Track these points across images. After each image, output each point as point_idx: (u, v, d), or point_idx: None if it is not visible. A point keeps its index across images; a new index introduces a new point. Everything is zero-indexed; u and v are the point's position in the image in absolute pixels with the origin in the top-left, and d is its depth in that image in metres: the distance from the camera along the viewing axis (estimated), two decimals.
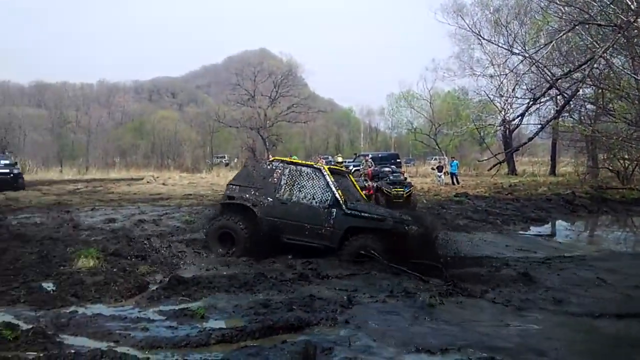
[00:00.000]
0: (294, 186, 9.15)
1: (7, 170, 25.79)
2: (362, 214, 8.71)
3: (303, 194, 9.08)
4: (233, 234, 9.07)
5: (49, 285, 6.82)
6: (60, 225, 12.58)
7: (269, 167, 9.54)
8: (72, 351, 4.25)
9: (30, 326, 4.91)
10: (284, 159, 10.20)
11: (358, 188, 10.72)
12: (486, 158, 19.96)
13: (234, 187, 9.59)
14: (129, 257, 8.60)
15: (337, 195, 8.76)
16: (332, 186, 8.85)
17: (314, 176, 9.11)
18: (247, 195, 9.26)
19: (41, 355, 4.13)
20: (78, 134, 68.15)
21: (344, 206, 8.69)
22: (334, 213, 8.72)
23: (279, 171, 9.33)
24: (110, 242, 9.84)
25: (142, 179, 32.42)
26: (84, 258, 7.80)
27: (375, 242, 8.27)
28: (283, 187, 9.17)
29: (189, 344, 4.63)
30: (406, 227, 8.41)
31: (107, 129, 72.56)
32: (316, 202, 8.94)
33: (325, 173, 9.05)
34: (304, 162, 9.94)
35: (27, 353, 4.28)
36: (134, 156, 58.81)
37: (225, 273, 7.61)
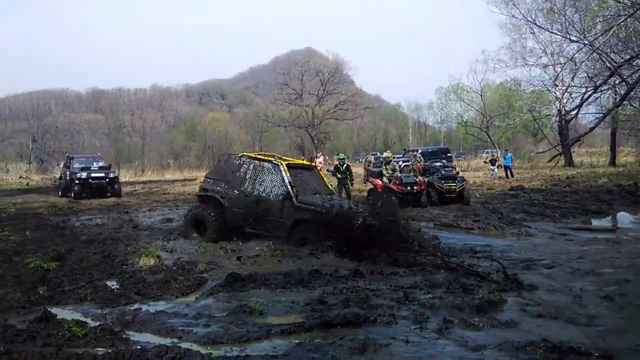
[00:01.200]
0: (257, 180, 9.83)
1: (102, 174, 22.86)
2: (309, 207, 9.02)
3: (263, 187, 9.71)
4: (205, 222, 9.92)
5: (113, 284, 7.10)
6: (121, 226, 13.06)
7: (237, 162, 10.29)
8: (139, 347, 4.39)
9: (98, 323, 5.11)
10: (251, 154, 10.65)
11: (325, 181, 11.09)
12: (544, 150, 19.32)
13: (208, 180, 10.58)
14: (187, 255, 8.85)
15: (289, 189, 9.26)
16: (286, 180, 9.37)
17: (273, 171, 9.69)
18: (218, 188, 10.15)
19: (110, 351, 4.27)
20: (133, 137, 70.40)
21: (294, 199, 9.14)
22: (286, 205, 9.21)
23: (245, 166, 10.07)
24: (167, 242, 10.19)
25: (196, 179, 33.21)
26: (145, 257, 8.09)
27: (315, 234, 8.68)
28: (248, 181, 9.89)
29: (249, 339, 4.70)
30: (353, 220, 8.44)
31: (160, 132, 74.71)
32: (273, 196, 9.50)
33: (282, 168, 9.57)
34: (266, 157, 10.28)
35: (97, 349, 4.45)
36: (187, 157, 60.22)
37: (280, 270, 7.67)
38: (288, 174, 9.50)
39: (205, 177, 10.93)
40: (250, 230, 9.64)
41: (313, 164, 31.21)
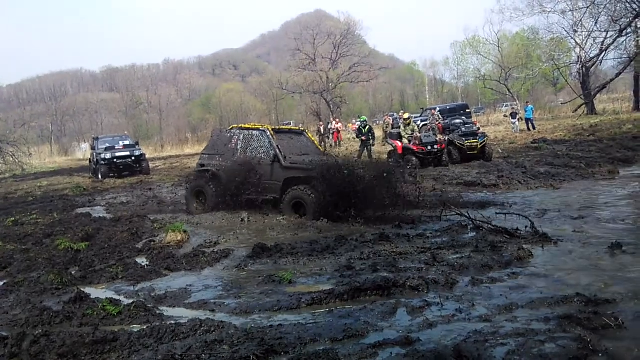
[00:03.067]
0: (247, 149, 10.31)
1: (128, 153, 22.40)
2: (297, 165, 9.52)
3: (254, 154, 10.16)
4: (205, 193, 10.49)
5: (142, 261, 7.21)
6: (146, 203, 13.22)
7: (228, 135, 10.83)
8: (173, 322, 4.45)
9: (131, 301, 5.20)
10: (240, 125, 11.23)
11: (315, 142, 11.59)
12: (568, 100, 18.86)
13: (204, 156, 11.13)
14: (212, 229, 8.93)
15: (277, 151, 9.71)
16: (274, 144, 9.84)
17: (261, 137, 10.17)
18: (214, 162, 10.68)
19: (145, 327, 4.33)
20: (150, 113, 70.88)
21: (282, 160, 9.58)
22: (276, 167, 9.70)
23: (236, 137, 10.58)
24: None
25: None
26: (172, 232, 8.16)
27: (307, 193, 9.02)
28: (239, 151, 10.40)
29: (280, 308, 4.73)
30: (340, 172, 8.87)
31: (176, 106, 75.06)
32: (263, 160, 9.93)
33: (269, 134, 10.06)
34: (253, 126, 10.88)
35: (132, 326, 4.53)
36: (205, 130, 60.39)
37: (305, 238, 7.69)
38: (275, 139, 9.99)
39: (201, 153, 11.44)
40: (247, 197, 10.01)
41: (331, 128, 31.07)
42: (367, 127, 19.42)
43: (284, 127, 12.78)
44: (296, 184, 9.39)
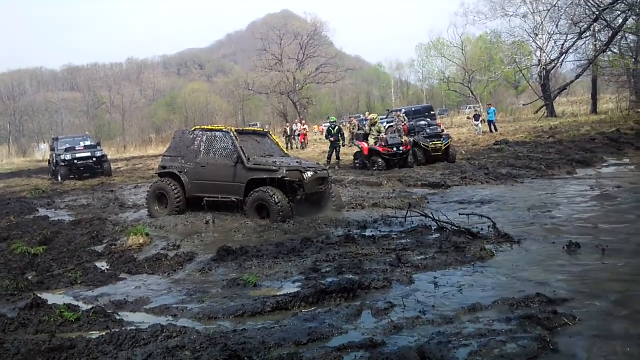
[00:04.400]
0: (210, 150, 10.20)
1: (89, 154, 21.72)
2: (261, 166, 9.48)
3: (217, 156, 10.08)
4: (167, 196, 10.28)
5: (103, 265, 7.02)
6: (107, 205, 12.91)
7: (191, 136, 10.65)
8: (134, 328, 4.34)
9: (90, 306, 5.05)
10: (203, 127, 11.11)
11: (279, 144, 11.47)
12: (528, 102, 19.33)
13: (166, 158, 10.93)
14: (175, 232, 8.78)
15: (241, 153, 9.62)
16: (237, 145, 9.75)
17: (224, 139, 10.07)
18: (176, 164, 10.53)
19: (104, 334, 4.21)
20: (113, 113, 69.37)
21: (246, 161, 9.50)
22: (239, 169, 9.62)
23: (199, 139, 10.44)
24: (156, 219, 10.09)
25: None
26: (134, 236, 7.99)
27: (269, 195, 8.98)
28: (202, 152, 10.26)
29: (245, 313, 4.66)
30: (303, 174, 9.21)
31: (140, 106, 73.67)
32: (226, 161, 9.84)
33: (232, 135, 9.98)
34: (217, 127, 10.92)
35: (91, 333, 4.40)
36: (169, 131, 59.50)
37: (271, 241, 7.64)
38: (238, 140, 9.90)
39: (163, 155, 11.27)
40: (209, 199, 10.03)
41: (297, 131, 30.98)
42: (337, 128, 19.42)
43: (249, 128, 12.63)
44: (260, 185, 9.33)
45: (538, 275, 5.25)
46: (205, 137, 10.39)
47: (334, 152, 18.89)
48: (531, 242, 6.53)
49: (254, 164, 9.53)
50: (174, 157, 10.70)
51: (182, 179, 10.26)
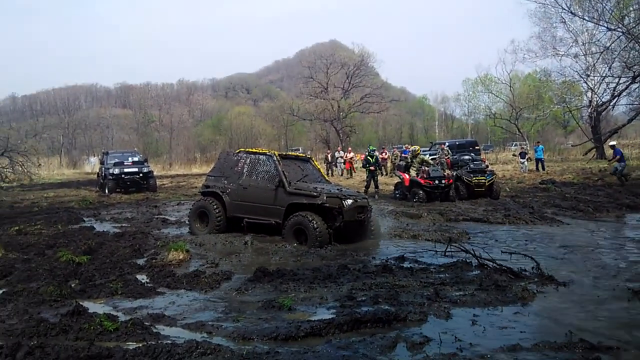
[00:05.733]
0: (253, 172, 10.38)
1: (136, 169, 22.47)
2: (301, 191, 9.55)
3: (259, 178, 10.25)
4: (208, 214, 10.47)
5: (143, 277, 7.16)
6: (150, 220, 13.21)
7: (235, 158, 10.88)
8: (169, 342, 4.39)
9: (129, 317, 5.14)
10: (247, 149, 11.33)
11: (320, 169, 11.69)
12: (578, 143, 18.88)
13: (210, 177, 11.15)
14: (214, 250, 8.90)
15: (282, 177, 9.77)
16: (279, 169, 9.90)
17: (267, 162, 10.27)
18: (218, 184, 10.72)
19: (140, 346, 4.27)
20: (161, 132, 71.31)
21: (287, 185, 9.61)
22: (280, 192, 9.72)
23: (243, 161, 10.66)
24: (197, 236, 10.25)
25: None
26: (174, 251, 8.13)
27: (308, 220, 9.05)
28: (245, 174, 10.45)
29: (278, 335, 4.65)
30: (343, 201, 9.27)
31: (187, 126, 75.44)
32: (268, 184, 9.99)
33: (275, 159, 10.17)
34: (260, 150, 11.03)
35: (128, 343, 4.47)
36: (214, 151, 60.66)
37: (307, 265, 7.64)
38: (281, 164, 10.06)
39: (207, 175, 11.48)
40: (249, 220, 10.14)
41: (338, 158, 30.79)
42: (375, 157, 19.44)
43: (291, 153, 12.78)
44: (299, 210, 9.38)
45: (582, 320, 5.05)
46: (248, 160, 10.57)
47: (372, 181, 18.85)
48: (576, 285, 6.31)
49: (295, 189, 9.62)
50: (217, 177, 10.90)
51: (224, 199, 10.45)
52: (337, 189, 9.89)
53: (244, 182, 10.36)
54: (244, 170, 10.49)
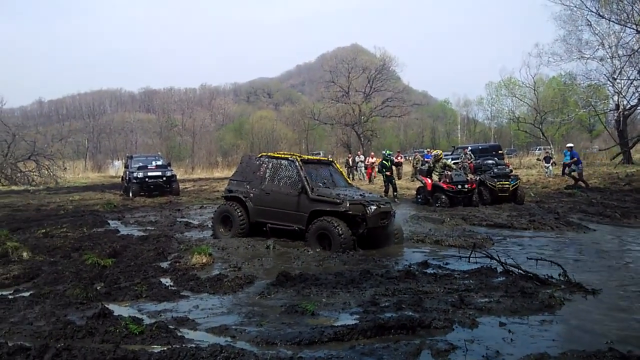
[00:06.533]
0: (275, 177, 10.36)
1: (159, 173, 22.94)
2: (324, 198, 9.47)
3: (281, 183, 10.21)
4: (231, 218, 10.53)
5: (167, 281, 7.21)
6: (173, 223, 13.33)
7: (257, 162, 10.87)
8: (193, 346, 4.41)
9: (154, 320, 5.19)
10: (270, 154, 11.16)
11: (343, 173, 11.72)
12: (605, 147, 18.51)
13: (232, 182, 11.16)
14: (237, 254, 8.93)
15: (305, 182, 9.73)
16: (302, 175, 9.85)
17: (290, 167, 10.21)
18: (241, 189, 10.74)
19: (165, 349, 4.30)
20: (184, 136, 72.15)
21: (310, 192, 9.57)
22: (302, 198, 9.68)
23: (265, 165, 10.64)
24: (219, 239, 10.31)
25: None
26: (197, 255, 8.19)
27: (332, 225, 9.01)
28: (267, 179, 10.45)
29: (302, 340, 4.63)
30: (366, 207, 9.21)
31: (209, 130, 76.28)
32: (290, 190, 9.95)
33: (297, 164, 10.09)
34: (283, 155, 10.86)
35: (153, 347, 4.50)
36: (235, 155, 61.09)
37: (330, 270, 7.61)
38: (303, 169, 10.00)
39: (230, 179, 11.48)
40: (271, 225, 10.14)
41: (359, 162, 30.44)
42: (391, 161, 19.24)
43: (312, 157, 12.77)
44: (323, 215, 9.36)
45: (611, 329, 4.93)
46: (271, 164, 10.54)
47: (390, 185, 18.68)
48: (604, 293, 6.16)
49: (318, 195, 9.59)
50: (240, 181, 10.92)
51: (247, 204, 10.49)
52: (360, 195, 9.83)
53: (266, 187, 10.37)
54: (266, 175, 10.48)
